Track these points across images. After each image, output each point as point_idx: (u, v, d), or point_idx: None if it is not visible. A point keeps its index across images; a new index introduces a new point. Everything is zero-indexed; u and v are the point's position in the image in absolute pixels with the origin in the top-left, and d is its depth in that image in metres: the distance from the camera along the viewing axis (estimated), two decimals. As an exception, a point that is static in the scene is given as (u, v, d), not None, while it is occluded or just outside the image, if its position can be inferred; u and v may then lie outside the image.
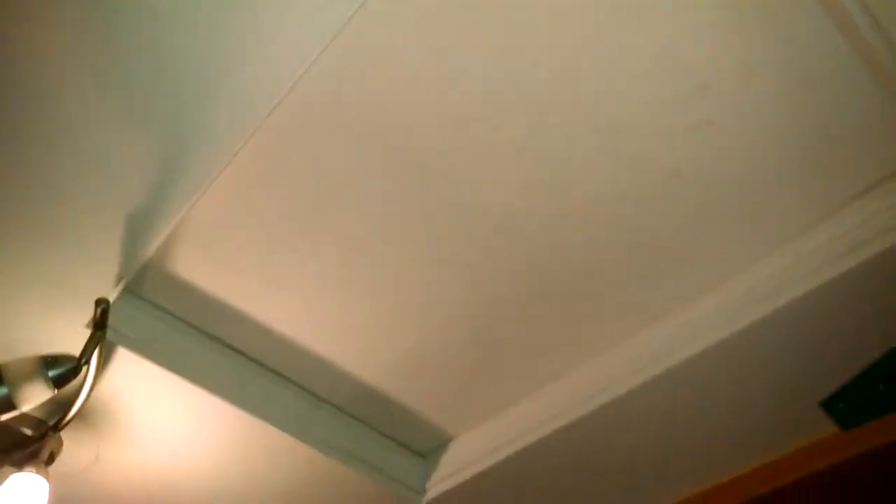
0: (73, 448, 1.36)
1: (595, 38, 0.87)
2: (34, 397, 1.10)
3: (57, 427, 1.24)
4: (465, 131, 0.97)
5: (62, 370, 1.12)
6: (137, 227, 1.06)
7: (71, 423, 1.27)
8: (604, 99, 0.93)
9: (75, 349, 1.12)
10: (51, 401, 1.15)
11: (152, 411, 1.27)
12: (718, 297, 1.11)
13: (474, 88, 0.93)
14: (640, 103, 0.93)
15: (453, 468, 1.36)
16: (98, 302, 1.08)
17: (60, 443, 1.33)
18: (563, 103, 0.94)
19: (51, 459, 1.31)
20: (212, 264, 1.15)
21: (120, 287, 1.12)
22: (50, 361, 1.11)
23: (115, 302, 1.13)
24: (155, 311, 1.21)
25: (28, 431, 1.28)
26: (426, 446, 1.44)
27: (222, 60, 0.90)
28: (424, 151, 1.00)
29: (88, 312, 1.11)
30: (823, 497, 0.68)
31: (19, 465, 1.21)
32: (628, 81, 0.91)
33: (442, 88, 0.93)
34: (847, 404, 0.76)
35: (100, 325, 1.10)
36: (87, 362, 1.11)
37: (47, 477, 1.22)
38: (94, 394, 1.27)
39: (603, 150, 0.98)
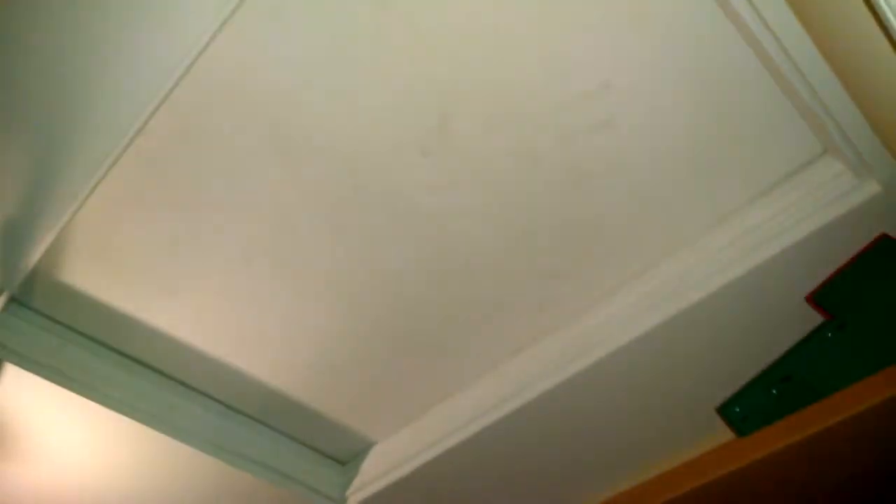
0: (-34, 468, 1.29)
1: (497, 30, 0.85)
2: None
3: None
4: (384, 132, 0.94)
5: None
6: (17, 234, 0.99)
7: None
8: (507, 92, 0.90)
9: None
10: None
11: (48, 428, 1.20)
12: (619, 302, 1.10)
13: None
14: (544, 100, 0.91)
15: (373, 475, 1.33)
16: (-22, 316, 1.01)
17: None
18: (467, 96, 0.91)
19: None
20: (103, 272, 1.08)
21: (3, 299, 1.05)
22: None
23: (-1, 315, 1.06)
24: (47, 323, 1.14)
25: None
26: (345, 453, 1.40)
27: (102, 58, 0.85)
28: (319, 147, 0.96)
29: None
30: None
31: None
32: (529, 76, 0.89)
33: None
34: (742, 409, 0.76)
35: (-17, 340, 1.03)
36: (-30, 380, 1.04)
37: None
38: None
39: (508, 148, 0.96)
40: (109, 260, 1.07)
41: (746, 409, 0.77)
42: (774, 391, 0.78)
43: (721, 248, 1.03)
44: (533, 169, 0.97)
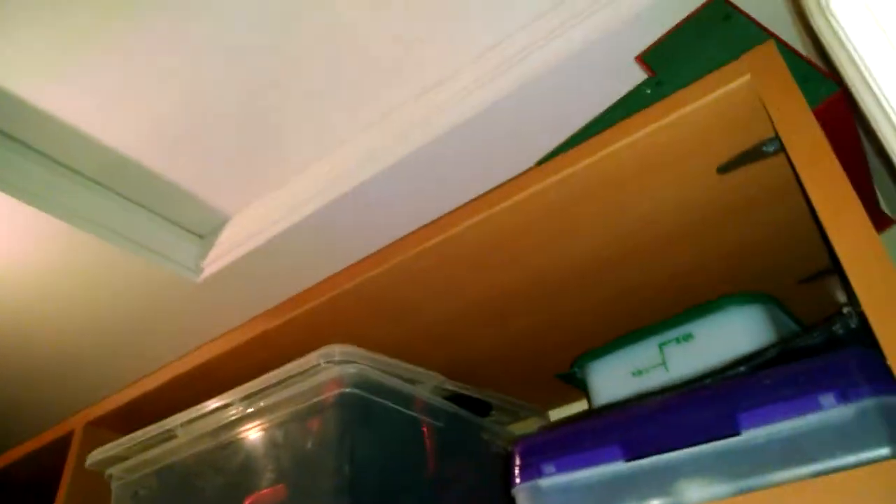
0: None
1: None
2: None
3: None
4: None
5: None
6: None
7: None
8: None
9: None
10: None
11: None
12: (469, 74, 1.10)
13: None
14: None
15: (227, 246, 1.34)
16: None
17: None
18: None
19: None
20: None
21: None
22: None
23: None
24: None
25: None
26: (203, 227, 1.40)
27: None
28: None
29: None
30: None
31: None
32: None
33: None
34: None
35: None
36: None
37: None
38: None
39: None
40: None
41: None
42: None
43: (572, 15, 1.02)
44: None
